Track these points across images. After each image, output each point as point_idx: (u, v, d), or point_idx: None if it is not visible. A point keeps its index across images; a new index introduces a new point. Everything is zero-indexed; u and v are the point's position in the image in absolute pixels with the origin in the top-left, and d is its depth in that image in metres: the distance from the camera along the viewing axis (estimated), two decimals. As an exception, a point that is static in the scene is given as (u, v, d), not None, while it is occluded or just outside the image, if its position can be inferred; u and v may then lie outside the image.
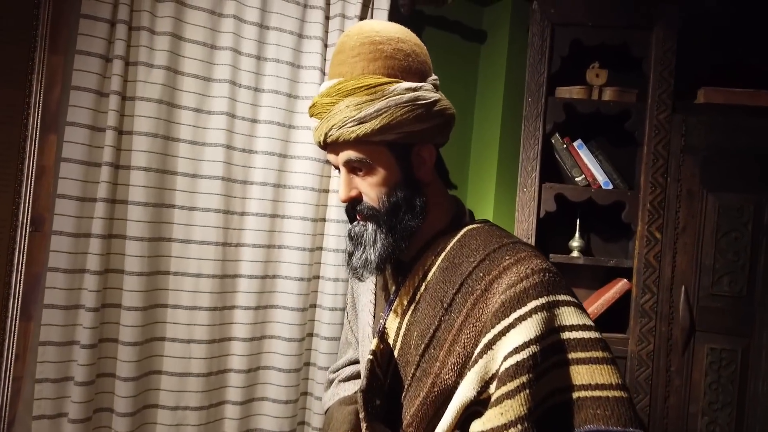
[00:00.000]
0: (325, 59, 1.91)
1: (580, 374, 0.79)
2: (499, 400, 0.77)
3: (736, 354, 1.87)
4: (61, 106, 1.62)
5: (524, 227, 1.96)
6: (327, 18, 1.93)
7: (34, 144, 1.61)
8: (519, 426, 0.75)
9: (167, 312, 1.72)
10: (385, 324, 0.98)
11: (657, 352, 1.89)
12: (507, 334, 0.80)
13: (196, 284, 1.73)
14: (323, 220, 1.95)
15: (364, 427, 0.90)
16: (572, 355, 0.80)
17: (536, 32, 1.97)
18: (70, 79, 1.57)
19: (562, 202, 1.98)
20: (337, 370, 1.22)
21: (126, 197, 1.64)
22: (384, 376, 0.96)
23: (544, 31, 1.97)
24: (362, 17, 1.93)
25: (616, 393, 0.78)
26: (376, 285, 1.07)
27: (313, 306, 1.96)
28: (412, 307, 0.95)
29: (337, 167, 0.95)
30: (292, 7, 1.86)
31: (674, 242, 1.90)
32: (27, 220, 1.61)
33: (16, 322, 1.60)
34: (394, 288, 1.00)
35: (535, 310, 0.80)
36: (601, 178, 2.00)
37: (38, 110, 1.61)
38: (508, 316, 0.81)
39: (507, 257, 0.87)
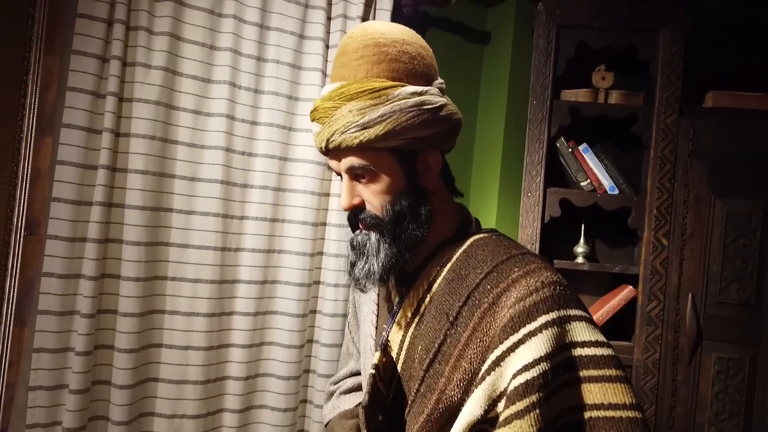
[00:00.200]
0: (326, 60, 1.88)
1: (593, 393, 0.76)
2: (508, 420, 0.74)
3: (743, 363, 1.84)
4: (56, 107, 1.58)
5: (528, 232, 1.92)
6: (329, 18, 1.90)
7: (29, 146, 1.58)
8: (529, 447, 0.72)
9: (164, 318, 1.69)
10: (388, 336, 0.95)
11: (663, 360, 1.86)
12: (516, 350, 0.77)
13: (194, 290, 1.69)
14: (324, 224, 1.91)
15: (366, 444, 0.86)
16: (584, 373, 0.77)
17: (541, 34, 1.94)
18: (66, 80, 1.54)
19: (567, 207, 1.94)
20: (337, 382, 1.18)
21: (123, 201, 1.61)
22: (387, 391, 0.93)
23: (550, 33, 1.93)
24: (364, 18, 1.90)
25: (630, 413, 0.75)
26: (378, 295, 1.04)
27: (314, 312, 1.92)
28: (416, 320, 0.92)
29: (339, 174, 0.92)
30: (293, 7, 1.83)
31: (681, 249, 1.87)
32: (21, 223, 1.58)
33: (9, 328, 1.57)
34: (397, 299, 0.96)
35: (545, 326, 0.77)
36: (606, 182, 1.97)
37: (33, 111, 1.58)
38: (517, 332, 0.77)
39: (516, 269, 0.83)
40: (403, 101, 0.83)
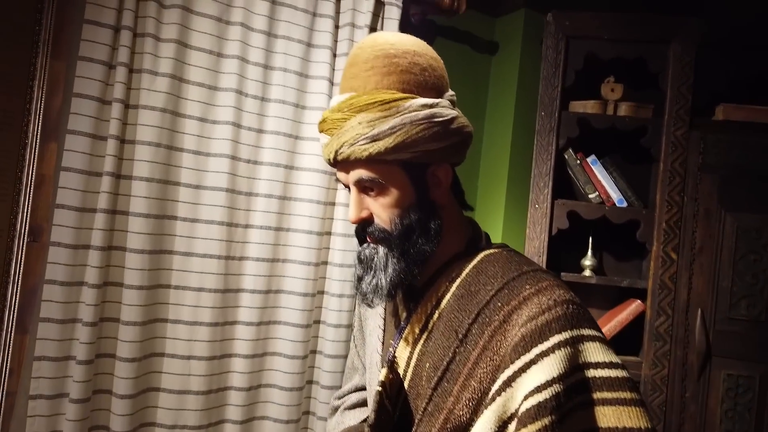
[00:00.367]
0: (333, 69, 1.87)
1: (606, 416, 0.74)
2: (519, 443, 0.72)
3: (753, 381, 1.81)
4: (62, 113, 1.57)
5: (535, 245, 1.90)
6: (336, 27, 1.89)
7: (34, 152, 1.57)
8: (541, 472, 0.69)
9: (167, 327, 1.67)
10: (395, 353, 0.93)
11: (671, 377, 1.83)
12: (528, 371, 0.75)
13: (198, 299, 1.68)
14: (329, 233, 1.90)
15: (372, 464, 0.84)
16: (598, 395, 0.75)
17: (550, 45, 1.93)
18: (72, 86, 1.53)
19: (575, 219, 1.92)
20: (342, 396, 1.16)
21: (127, 208, 1.59)
22: (393, 409, 0.91)
23: (559, 44, 1.92)
24: (372, 27, 1.89)
25: (645, 438, 0.72)
26: (385, 309, 1.02)
27: (317, 322, 1.90)
28: (424, 336, 0.90)
29: (347, 186, 0.90)
30: (301, 15, 1.82)
31: (690, 263, 1.85)
32: (25, 230, 1.56)
33: (11, 335, 1.55)
34: (405, 314, 0.94)
35: (558, 346, 0.75)
36: (615, 195, 1.95)
37: (39, 117, 1.57)
38: (528, 351, 0.75)
39: (527, 286, 0.81)
40: (413, 113, 0.82)
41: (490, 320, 0.81)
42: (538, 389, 0.73)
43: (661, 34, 1.88)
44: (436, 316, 0.89)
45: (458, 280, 0.89)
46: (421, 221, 0.87)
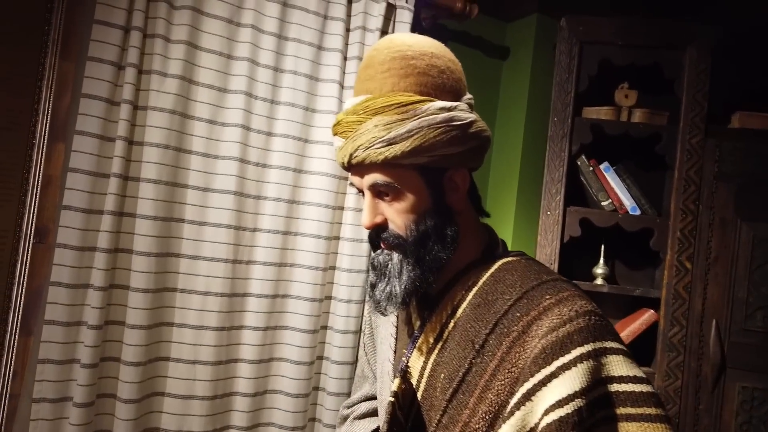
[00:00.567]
0: (344, 72, 1.85)
1: (630, 433, 0.70)
2: (540, 460, 0.69)
3: (769, 394, 1.77)
4: (70, 114, 1.56)
5: (547, 252, 1.87)
6: (347, 30, 1.87)
7: (41, 152, 1.55)
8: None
9: (173, 331, 1.65)
10: (408, 362, 0.90)
11: (685, 388, 1.80)
12: (548, 384, 0.72)
13: (204, 302, 1.65)
14: (337, 238, 1.87)
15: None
16: (621, 411, 0.72)
17: (564, 50, 1.90)
18: (81, 87, 1.51)
19: (587, 227, 1.89)
20: (352, 405, 1.13)
21: (134, 210, 1.57)
22: (405, 420, 0.88)
23: (572, 50, 1.89)
24: (384, 30, 1.87)
25: (671, 456, 0.69)
26: (397, 317, 0.99)
27: (324, 328, 1.88)
28: (438, 346, 0.87)
29: (360, 191, 0.88)
30: (312, 18, 1.80)
31: (705, 273, 1.81)
32: (31, 231, 1.55)
33: (15, 337, 1.53)
34: (419, 323, 0.92)
35: (580, 359, 0.72)
36: (628, 203, 1.92)
37: (47, 117, 1.55)
38: (549, 364, 0.72)
39: (547, 296, 0.78)
40: (431, 117, 0.79)
41: (508, 331, 0.79)
42: (560, 404, 0.70)
43: (676, 41, 1.86)
44: (451, 325, 0.86)
45: (475, 289, 0.86)
46: (437, 227, 0.84)
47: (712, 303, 1.80)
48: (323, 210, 1.80)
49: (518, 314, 0.79)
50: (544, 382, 0.72)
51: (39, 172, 1.55)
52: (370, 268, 0.89)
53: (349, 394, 1.81)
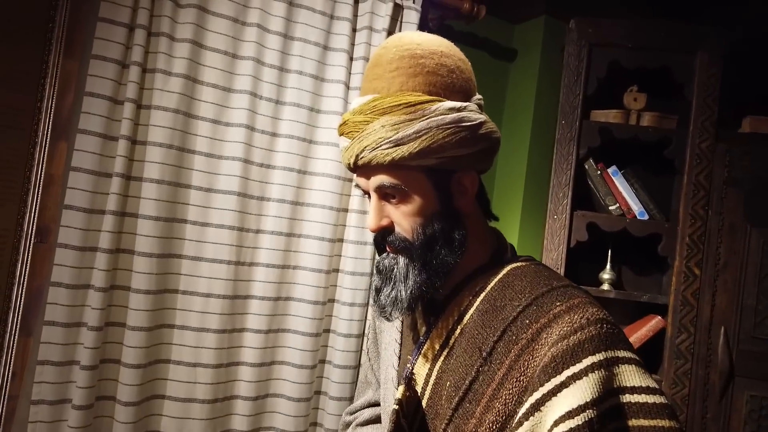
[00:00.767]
0: (350, 73, 1.83)
1: (643, 446, 0.68)
2: (549, 473, 0.67)
3: (778, 403, 1.74)
4: (73, 112, 1.54)
5: (553, 256, 1.85)
6: (354, 30, 1.85)
7: (44, 151, 1.54)
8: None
9: (173, 333, 1.63)
10: (412, 369, 0.88)
11: (692, 396, 1.77)
12: (558, 394, 0.70)
13: (206, 304, 1.63)
14: (341, 240, 1.85)
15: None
16: (634, 423, 0.69)
17: (572, 52, 1.88)
18: (84, 85, 1.50)
19: (594, 231, 1.87)
20: (354, 412, 1.11)
21: (136, 210, 1.56)
22: (409, 428, 0.86)
23: (581, 52, 1.87)
24: (390, 31, 1.85)
25: (686, 470, 0.67)
26: (402, 323, 0.97)
27: (327, 331, 1.85)
28: (444, 353, 0.85)
29: (366, 193, 0.86)
30: (319, 17, 1.78)
31: (714, 279, 1.78)
32: (32, 230, 1.53)
33: (14, 338, 1.51)
34: (424, 329, 0.90)
35: (591, 368, 0.70)
36: (636, 207, 1.89)
37: (50, 116, 1.54)
38: (559, 374, 0.70)
39: (557, 303, 0.76)
40: (440, 117, 0.77)
41: (517, 338, 0.76)
42: (570, 415, 0.68)
43: (686, 44, 1.83)
44: (458, 331, 0.84)
45: (482, 294, 0.84)
46: (445, 231, 0.82)
47: (720, 310, 1.78)
48: (327, 212, 1.78)
49: (527, 321, 0.77)
50: (554, 392, 0.70)
51: (41, 171, 1.53)
52: (375, 272, 0.87)
53: (351, 399, 1.78)
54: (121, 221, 1.54)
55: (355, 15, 1.86)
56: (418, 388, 0.87)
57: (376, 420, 1.08)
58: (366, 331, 1.79)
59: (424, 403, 0.86)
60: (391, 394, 0.93)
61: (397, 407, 0.84)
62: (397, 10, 1.87)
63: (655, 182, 1.97)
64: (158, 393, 1.62)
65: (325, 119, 1.80)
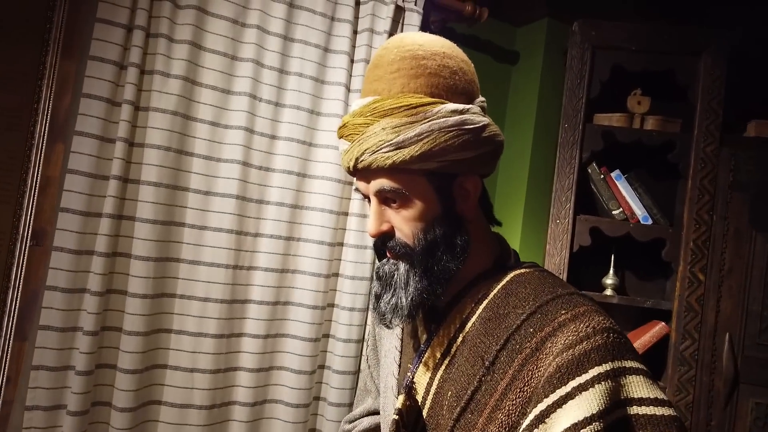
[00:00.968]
0: (350, 75, 1.81)
1: (652, 460, 0.66)
2: (554, 488, 0.64)
3: (784, 411, 1.72)
4: (70, 114, 1.52)
5: (556, 261, 1.82)
6: (355, 32, 1.83)
7: (40, 153, 1.52)
8: None
9: (171, 338, 1.60)
10: (413, 378, 0.86)
11: (697, 403, 1.74)
12: (564, 406, 0.67)
13: (203, 309, 1.61)
14: (341, 244, 1.83)
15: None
16: (641, 436, 0.67)
17: (575, 55, 1.86)
18: (81, 86, 1.48)
19: (597, 236, 1.85)
20: (353, 420, 1.09)
21: (133, 213, 1.54)
22: (410, 439, 0.83)
23: (584, 55, 1.85)
24: (391, 33, 1.83)
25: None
26: (403, 330, 0.95)
27: (326, 336, 1.83)
28: (446, 361, 0.82)
29: (366, 196, 0.83)
30: (319, 19, 1.76)
31: (719, 285, 1.76)
32: (28, 233, 1.51)
33: (9, 342, 1.49)
34: (425, 336, 0.87)
35: (597, 379, 0.67)
36: (639, 212, 1.87)
37: (46, 118, 1.52)
38: (565, 384, 0.68)
39: (563, 311, 0.74)
40: (442, 120, 0.75)
41: (520, 347, 0.74)
42: (576, 427, 0.65)
43: (691, 47, 1.81)
44: (459, 339, 0.82)
45: (485, 302, 0.82)
46: (447, 236, 0.80)
47: (725, 316, 1.75)
48: (327, 215, 1.76)
49: (531, 330, 0.74)
50: (558, 404, 0.68)
51: (38, 173, 1.51)
52: (375, 278, 0.85)
53: (351, 405, 1.76)
54: (118, 224, 1.52)
55: (356, 17, 1.84)
56: (419, 398, 0.84)
57: (376, 429, 1.05)
58: (366, 337, 1.77)
59: (424, 413, 0.83)
60: (390, 403, 0.90)
61: (396, 417, 0.82)
62: (399, 12, 1.86)
63: (659, 186, 1.95)
64: (155, 398, 1.60)
65: (325, 122, 1.78)
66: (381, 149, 0.75)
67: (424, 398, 0.84)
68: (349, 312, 1.78)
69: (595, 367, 0.68)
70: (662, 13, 2.11)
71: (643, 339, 1.83)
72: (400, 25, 1.87)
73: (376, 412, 1.07)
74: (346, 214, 1.83)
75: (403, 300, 0.80)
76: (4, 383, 1.47)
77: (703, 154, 1.78)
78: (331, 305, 1.83)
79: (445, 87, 0.78)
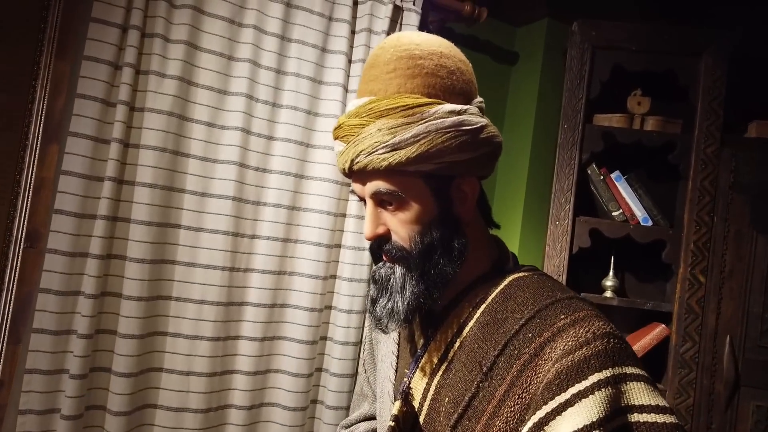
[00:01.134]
0: (348, 76, 1.80)
1: (653, 469, 0.64)
2: (554, 497, 0.63)
3: (786, 414, 1.70)
4: (64, 114, 1.50)
5: (555, 263, 1.81)
6: (353, 32, 1.82)
7: (34, 154, 1.50)
8: None
9: (166, 341, 1.59)
10: (409, 383, 0.84)
11: (697, 407, 1.73)
12: (563, 413, 0.66)
13: (199, 311, 1.60)
14: (338, 246, 1.82)
15: None
16: (643, 444, 0.65)
17: (575, 55, 1.85)
18: (76, 87, 1.46)
19: (597, 237, 1.83)
20: (349, 426, 1.07)
21: (128, 215, 1.52)
22: (407, 446, 0.82)
23: (584, 55, 1.84)
24: (390, 33, 1.82)
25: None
26: (399, 334, 0.93)
27: (324, 339, 1.81)
28: (443, 367, 0.81)
29: (362, 199, 0.82)
30: (317, 19, 1.75)
31: (720, 287, 1.75)
32: (21, 235, 1.49)
33: (3, 345, 1.47)
34: (422, 341, 0.86)
35: (597, 386, 0.66)
36: (639, 213, 1.86)
37: (41, 118, 1.50)
38: (564, 391, 0.66)
39: (562, 316, 0.72)
40: (439, 121, 0.74)
41: (519, 353, 0.73)
42: (576, 435, 0.64)
43: (691, 47, 1.80)
44: (457, 344, 0.80)
45: (483, 306, 0.80)
46: (444, 239, 0.78)
47: (726, 318, 1.74)
48: (324, 217, 1.74)
49: (530, 335, 0.73)
50: (558, 411, 0.66)
51: (32, 175, 1.50)
52: (371, 282, 0.83)
53: (348, 408, 1.75)
54: (113, 226, 1.51)
55: (354, 17, 1.82)
56: (416, 404, 0.83)
57: (372, 434, 1.04)
58: (363, 340, 1.75)
59: (421, 419, 0.82)
60: (387, 409, 0.89)
61: (393, 423, 0.80)
62: (397, 12, 1.84)
63: (659, 188, 1.93)
64: (150, 402, 1.58)
65: (323, 122, 1.77)
66: (377, 151, 0.74)
67: (421, 404, 0.82)
68: (347, 314, 1.76)
69: (595, 374, 0.66)
70: (662, 13, 2.10)
71: (643, 341, 1.81)
72: (398, 25, 1.85)
73: (372, 417, 1.06)
74: (344, 215, 1.81)
75: (400, 304, 0.79)
76: (-3, 387, 1.46)
77: (703, 155, 1.77)
78: (329, 307, 1.82)
79: (443, 87, 0.77)
